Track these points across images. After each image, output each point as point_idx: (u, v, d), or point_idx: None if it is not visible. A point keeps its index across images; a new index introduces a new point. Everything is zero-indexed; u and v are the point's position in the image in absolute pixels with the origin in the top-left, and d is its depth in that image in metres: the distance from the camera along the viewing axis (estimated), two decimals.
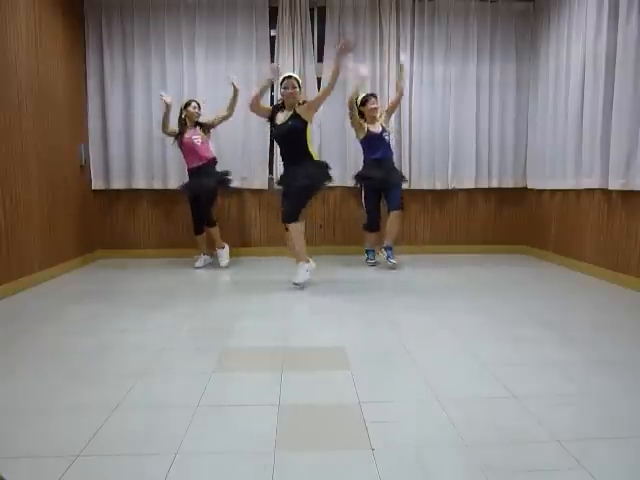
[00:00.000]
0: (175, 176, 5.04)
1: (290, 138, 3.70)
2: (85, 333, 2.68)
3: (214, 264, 4.70)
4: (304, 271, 3.70)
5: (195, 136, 4.53)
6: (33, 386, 2.00)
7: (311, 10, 5.08)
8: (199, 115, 4.59)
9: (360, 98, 4.52)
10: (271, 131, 3.91)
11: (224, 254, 4.67)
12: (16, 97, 3.65)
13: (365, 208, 4.66)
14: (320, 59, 5.13)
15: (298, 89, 3.71)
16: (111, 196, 5.14)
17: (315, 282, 3.90)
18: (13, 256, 3.57)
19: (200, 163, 4.52)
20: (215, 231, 4.67)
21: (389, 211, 4.60)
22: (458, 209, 5.41)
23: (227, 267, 4.60)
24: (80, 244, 4.73)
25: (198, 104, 4.61)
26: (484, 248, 5.40)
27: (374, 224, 4.64)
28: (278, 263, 4.70)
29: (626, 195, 3.71)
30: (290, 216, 3.67)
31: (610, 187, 3.80)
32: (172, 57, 5.00)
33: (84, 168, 4.90)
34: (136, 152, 5.04)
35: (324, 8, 5.07)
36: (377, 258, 4.75)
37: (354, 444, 1.56)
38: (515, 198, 5.41)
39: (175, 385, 2.02)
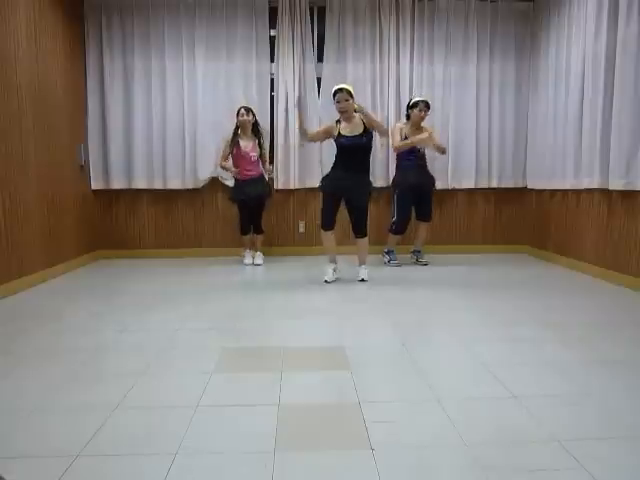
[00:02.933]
0: (175, 176, 5.04)
1: (360, 152, 3.88)
2: (85, 333, 2.68)
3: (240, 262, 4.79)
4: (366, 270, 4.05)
5: (253, 153, 4.58)
6: (33, 386, 2.00)
7: (311, 10, 5.09)
8: (251, 121, 4.56)
9: (412, 101, 4.58)
10: (338, 142, 3.87)
11: (260, 256, 4.79)
12: (16, 97, 3.64)
13: (397, 212, 4.65)
14: (320, 59, 5.14)
15: (351, 100, 3.79)
16: (111, 196, 5.14)
17: (315, 282, 3.91)
18: (13, 256, 3.57)
19: (254, 175, 4.58)
20: (261, 239, 4.84)
21: (418, 220, 4.73)
22: (458, 209, 5.41)
23: (262, 264, 4.69)
24: (80, 244, 4.73)
25: (247, 109, 4.56)
26: (484, 248, 5.40)
27: (405, 228, 4.69)
28: (278, 263, 4.69)
29: (626, 195, 3.71)
30: (364, 230, 3.98)
31: (611, 187, 3.79)
32: (172, 57, 4.99)
33: (84, 168, 4.90)
34: (136, 152, 5.04)
35: (324, 8, 5.06)
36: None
37: (354, 444, 1.56)
38: (515, 198, 5.41)
39: (175, 385, 2.02)
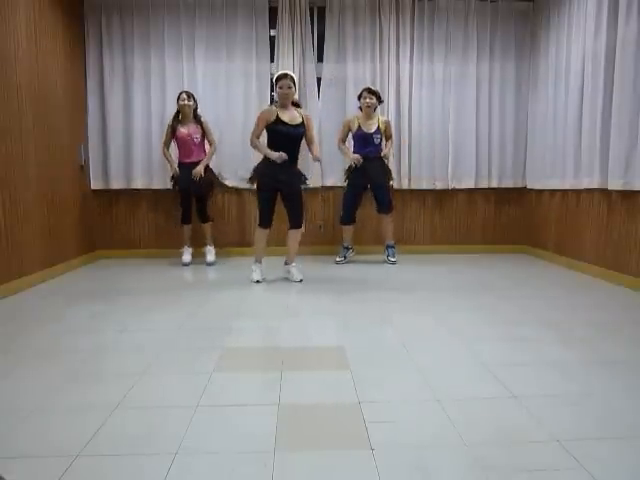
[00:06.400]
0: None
1: (297, 142, 3.86)
2: (85, 333, 2.68)
3: (202, 262, 4.76)
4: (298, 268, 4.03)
5: (196, 135, 4.58)
6: (33, 386, 2.00)
7: (311, 10, 5.09)
8: (191, 106, 4.57)
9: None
10: (276, 128, 3.75)
11: (212, 251, 4.78)
12: (16, 97, 3.64)
13: (343, 201, 4.74)
14: (320, 59, 5.14)
15: (293, 89, 3.78)
16: (111, 196, 5.14)
17: (315, 282, 3.91)
18: (13, 256, 3.57)
19: (196, 160, 4.58)
20: (208, 227, 4.78)
21: (378, 213, 4.75)
22: (458, 209, 5.41)
23: (213, 264, 4.67)
24: (80, 244, 4.73)
25: (188, 95, 4.56)
26: (484, 248, 5.40)
27: (348, 217, 4.72)
28: (277, 263, 4.69)
29: (626, 195, 3.71)
30: (301, 221, 3.92)
31: (610, 187, 3.79)
32: (172, 57, 4.99)
33: (84, 168, 4.90)
34: (136, 152, 5.04)
35: (324, 8, 5.07)
36: (351, 256, 4.85)
37: (354, 444, 1.56)
38: (515, 198, 5.42)
39: (175, 385, 2.02)
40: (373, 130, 4.59)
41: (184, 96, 4.54)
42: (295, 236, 3.97)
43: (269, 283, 3.94)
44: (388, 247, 4.81)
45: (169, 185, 5.04)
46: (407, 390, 1.95)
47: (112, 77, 4.98)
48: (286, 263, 4.06)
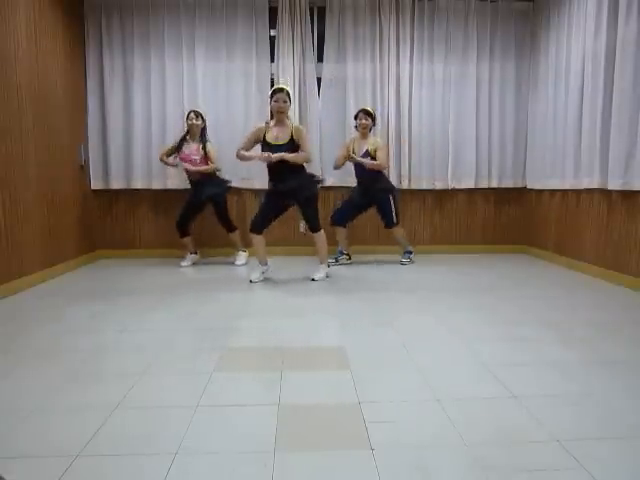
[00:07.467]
0: (175, 176, 5.03)
1: (281, 160, 3.73)
2: (85, 333, 2.68)
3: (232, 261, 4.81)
4: (324, 271, 4.09)
5: (194, 156, 4.53)
6: (33, 386, 2.00)
7: (311, 10, 5.09)
8: (199, 126, 4.55)
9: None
10: (263, 147, 3.79)
11: (243, 257, 4.81)
12: (16, 97, 3.64)
13: (340, 204, 4.76)
14: (320, 59, 5.14)
15: (288, 103, 3.76)
16: (111, 196, 5.14)
17: (315, 282, 3.91)
18: (13, 256, 3.57)
19: (200, 177, 4.57)
20: (236, 235, 4.82)
21: (385, 227, 4.70)
22: (458, 209, 5.41)
23: (244, 265, 4.71)
24: (80, 244, 4.73)
25: (197, 114, 4.55)
26: (484, 248, 5.40)
27: (340, 218, 4.67)
28: (278, 263, 4.69)
29: (626, 195, 3.71)
30: (318, 226, 3.99)
31: (609, 187, 3.80)
32: (172, 57, 4.99)
33: (84, 168, 4.90)
34: (136, 152, 5.04)
35: (324, 8, 5.07)
36: (343, 260, 4.81)
37: (354, 444, 1.56)
38: (515, 198, 5.42)
39: (175, 385, 2.02)
40: (362, 153, 4.48)
41: (192, 115, 4.53)
42: (315, 239, 4.01)
43: (270, 283, 3.94)
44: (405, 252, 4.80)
45: (169, 185, 5.05)
46: (407, 390, 1.95)
47: (112, 77, 4.98)
48: (320, 263, 4.12)
